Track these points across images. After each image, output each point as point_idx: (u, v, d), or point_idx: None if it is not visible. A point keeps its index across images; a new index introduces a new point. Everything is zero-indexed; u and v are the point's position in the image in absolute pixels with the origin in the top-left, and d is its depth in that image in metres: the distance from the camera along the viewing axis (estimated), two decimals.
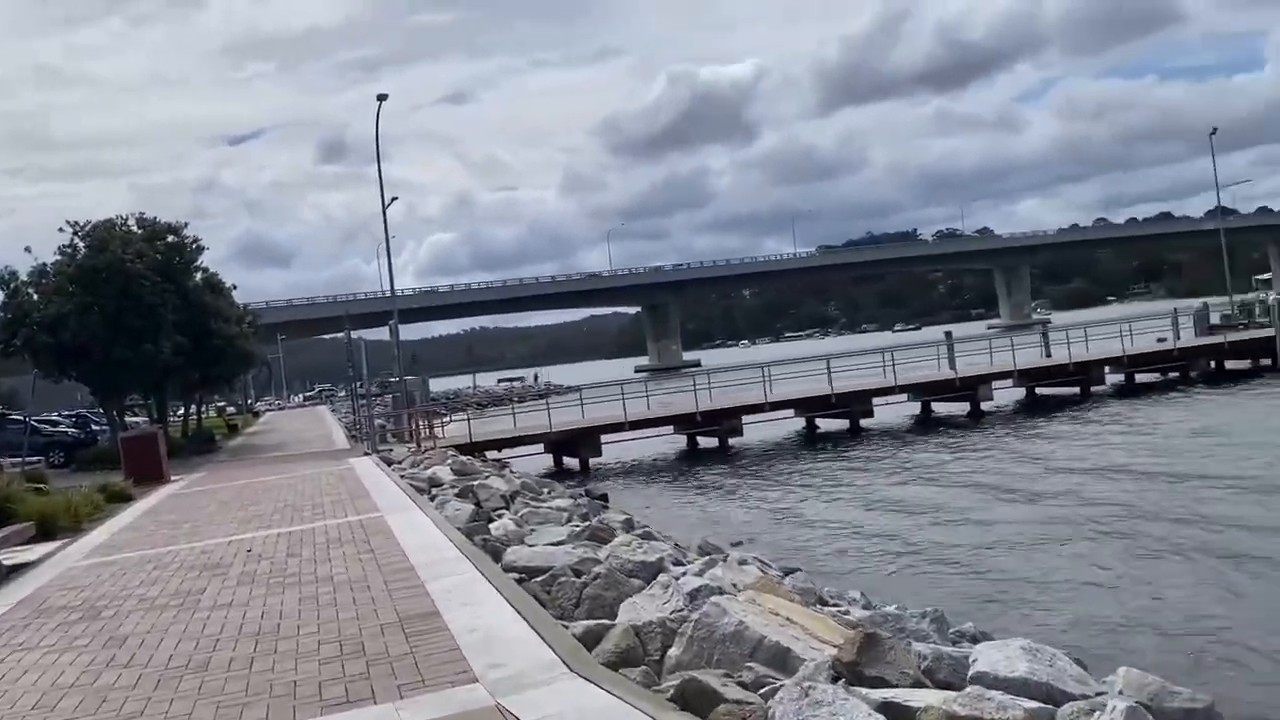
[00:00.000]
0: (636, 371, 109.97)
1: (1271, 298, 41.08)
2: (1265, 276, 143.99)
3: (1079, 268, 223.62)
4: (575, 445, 26.52)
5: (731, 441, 27.80)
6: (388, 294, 30.74)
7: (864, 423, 28.94)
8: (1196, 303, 43.33)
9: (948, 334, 41.51)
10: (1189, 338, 36.08)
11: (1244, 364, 33.59)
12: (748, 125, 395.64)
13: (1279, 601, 8.91)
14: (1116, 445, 20.44)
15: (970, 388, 29.96)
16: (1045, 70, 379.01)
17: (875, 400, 29.54)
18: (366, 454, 23.03)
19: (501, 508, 11.48)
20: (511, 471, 19.00)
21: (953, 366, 34.40)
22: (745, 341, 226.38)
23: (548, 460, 27.93)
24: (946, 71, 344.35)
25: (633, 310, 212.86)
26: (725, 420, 27.80)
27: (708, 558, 7.02)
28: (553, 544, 7.82)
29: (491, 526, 9.51)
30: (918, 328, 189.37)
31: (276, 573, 7.99)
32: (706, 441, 28.77)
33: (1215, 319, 40.98)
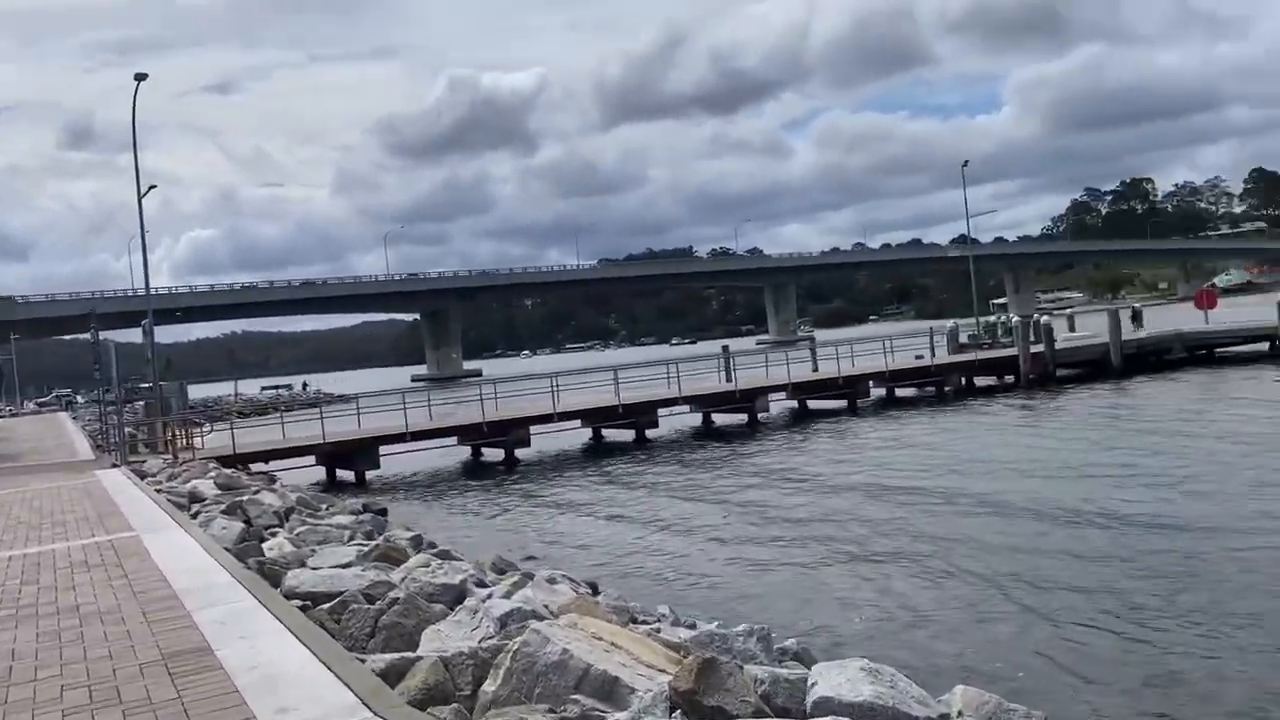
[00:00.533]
0: (414, 381, 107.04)
1: (1014, 319, 44.81)
2: (1001, 300, 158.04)
3: (839, 288, 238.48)
4: (351, 457, 25.20)
5: (518, 453, 27.30)
6: (140, 292, 28.16)
7: (649, 433, 29.22)
8: (948, 323, 46.78)
9: (725, 348, 42.92)
10: (943, 355, 38.76)
11: (991, 380, 36.44)
12: (530, 135, 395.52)
13: (1024, 615, 9.35)
14: (881, 460, 21.45)
15: (749, 399, 30.86)
16: (810, 100, 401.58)
17: (661, 411, 29.87)
18: (115, 466, 20.91)
19: (275, 525, 10.51)
20: (284, 486, 17.70)
21: (729, 379, 35.49)
22: (527, 352, 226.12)
23: (320, 473, 26.40)
24: (720, 95, 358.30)
25: (409, 317, 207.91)
26: (512, 431, 27.24)
27: (516, 577, 6.54)
28: (339, 566, 7.10)
29: (265, 547, 8.61)
30: (694, 341, 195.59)
31: (8, 603, 6.85)
32: (492, 453, 28.13)
33: (963, 338, 44.35)
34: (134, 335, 32.72)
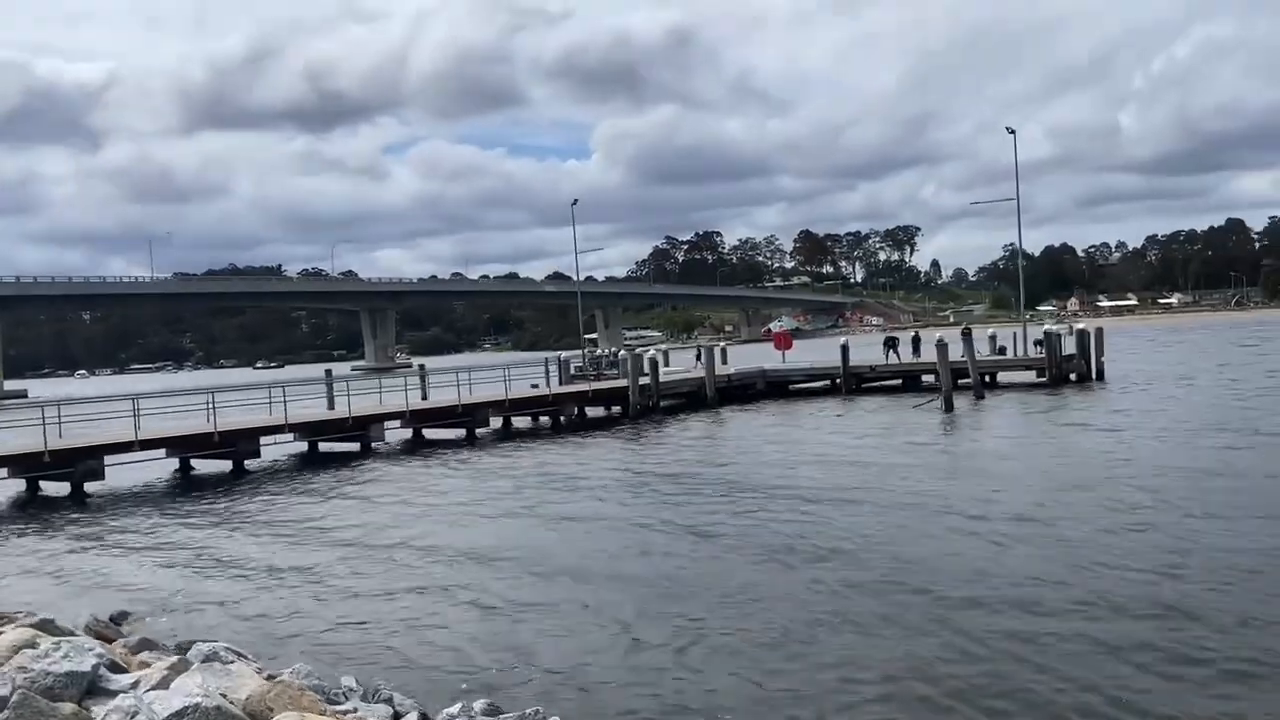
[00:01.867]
0: None
1: (620, 353, 46.82)
2: (592, 335, 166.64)
3: (438, 316, 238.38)
4: None
5: (89, 487, 23.41)
6: None
7: (249, 464, 26.47)
8: (561, 354, 47.86)
9: (328, 372, 40.55)
10: (556, 385, 39.42)
11: (600, 410, 37.60)
12: (94, 132, 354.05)
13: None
14: (495, 494, 21.01)
15: (362, 427, 29.10)
16: (408, 127, 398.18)
17: (263, 439, 27.20)
18: None
19: None
20: None
21: (331, 406, 33.45)
22: (83, 372, 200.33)
23: None
24: (314, 112, 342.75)
25: None
26: (81, 461, 23.29)
27: (170, 659, 4.91)
28: None
29: None
30: (280, 365, 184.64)
31: None
32: (54, 488, 23.88)
33: (571, 370, 45.66)
34: None
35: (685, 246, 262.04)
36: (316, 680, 5.22)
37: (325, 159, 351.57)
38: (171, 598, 12.44)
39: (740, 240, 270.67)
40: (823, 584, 11.20)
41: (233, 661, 5.44)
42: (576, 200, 53.21)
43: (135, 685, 4.55)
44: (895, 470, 20.02)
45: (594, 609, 10.69)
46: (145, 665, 5.22)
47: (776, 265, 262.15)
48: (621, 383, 38.31)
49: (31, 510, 22.20)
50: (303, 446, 29.50)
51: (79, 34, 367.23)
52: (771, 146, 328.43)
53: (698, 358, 45.26)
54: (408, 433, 32.11)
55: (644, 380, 36.96)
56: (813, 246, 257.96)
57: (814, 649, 8.92)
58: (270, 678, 5.03)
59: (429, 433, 32.22)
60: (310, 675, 5.11)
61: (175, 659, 4.65)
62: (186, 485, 25.23)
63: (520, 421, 35.30)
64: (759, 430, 30.26)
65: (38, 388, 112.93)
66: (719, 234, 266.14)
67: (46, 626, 5.86)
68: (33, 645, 4.98)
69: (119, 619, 10.46)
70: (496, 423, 33.91)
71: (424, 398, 36.05)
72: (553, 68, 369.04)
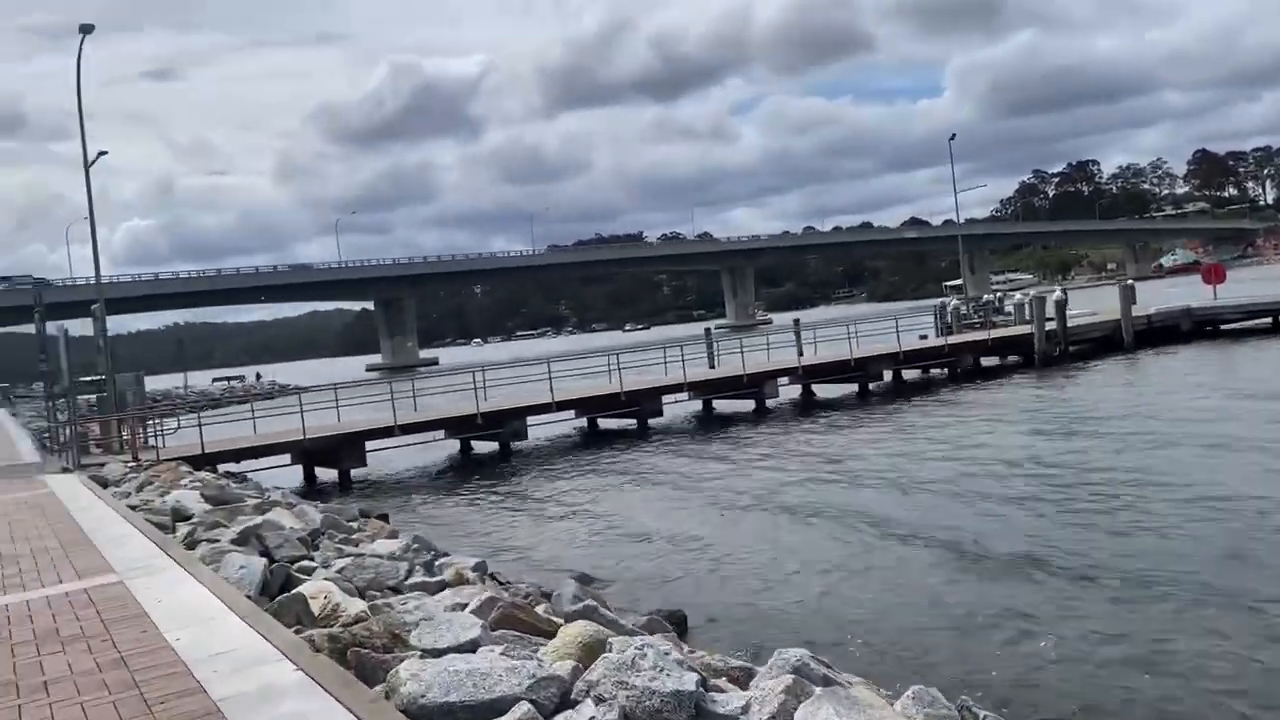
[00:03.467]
0: (369, 370, 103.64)
1: (1022, 295, 43.17)
2: (955, 282, 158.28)
3: (790, 272, 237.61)
4: (335, 454, 22.53)
5: (514, 445, 24.85)
6: (80, 282, 25.29)
7: (653, 421, 26.93)
8: (942, 300, 45.06)
9: (708, 331, 40.59)
10: (932, 337, 37.03)
11: (994, 360, 34.73)
12: (474, 121, 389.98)
13: None
14: (925, 451, 19.36)
15: (756, 384, 28.69)
16: (754, 86, 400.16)
17: (664, 398, 27.61)
18: (67, 470, 18.12)
19: (303, 557, 8.02)
20: (278, 491, 15.10)
21: (713, 365, 33.40)
22: (478, 340, 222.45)
23: (297, 473, 23.75)
24: (663, 81, 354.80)
25: (357, 307, 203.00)
26: (508, 422, 24.75)
27: (786, 680, 4.04)
28: (460, 648, 4.68)
29: (309, 597, 6.15)
30: (647, 327, 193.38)
31: None
32: (482, 447, 25.65)
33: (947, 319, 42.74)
34: (74, 327, 29.58)
35: (1055, 180, 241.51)
36: (945, 709, 4.17)
37: (676, 125, 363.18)
38: (622, 560, 12.24)
39: (1120, 168, 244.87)
40: None
41: (855, 687, 4.54)
42: (954, 135, 49.67)
43: (745, 711, 3.76)
44: None
45: None
46: (733, 679, 4.48)
47: (1165, 192, 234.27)
48: (1020, 329, 35.11)
49: (469, 469, 23.85)
50: (697, 405, 29.67)
51: (454, 31, 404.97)
52: (1153, 60, 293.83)
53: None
54: (796, 390, 31.37)
55: (1049, 325, 33.57)
56: (1211, 167, 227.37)
57: None
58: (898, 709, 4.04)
59: (818, 389, 31.30)
60: (935, 703, 4.08)
61: (790, 680, 3.81)
62: (596, 441, 26.14)
63: (910, 374, 33.46)
64: (1197, 378, 26.14)
65: (445, 356, 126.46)
66: (1095, 163, 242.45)
67: (592, 615, 5.38)
68: (602, 645, 4.39)
69: (585, 580, 10.27)
70: (887, 376, 32.29)
71: (799, 353, 34.96)
72: (898, 5, 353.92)
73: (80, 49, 23.35)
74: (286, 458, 22.94)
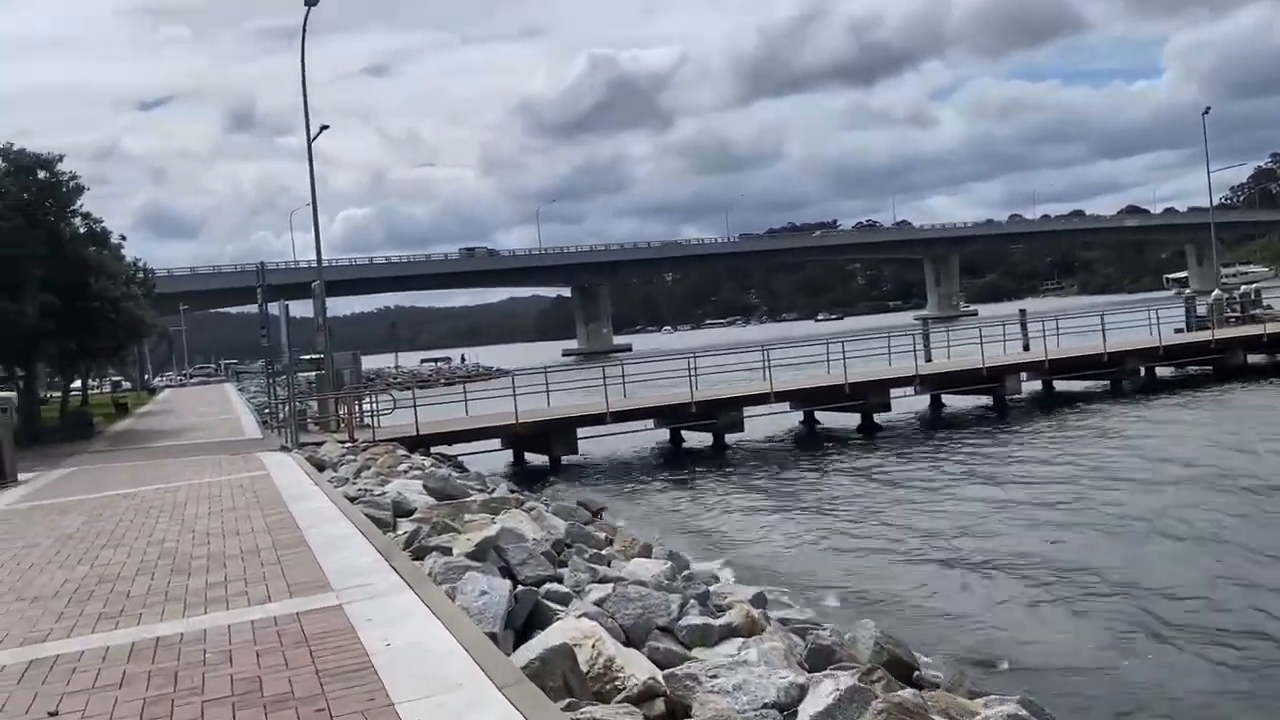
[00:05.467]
0: (565, 355, 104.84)
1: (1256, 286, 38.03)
2: (1179, 275, 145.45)
3: (994, 262, 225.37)
4: (546, 440, 21.56)
5: (729, 438, 23.17)
6: (301, 265, 25.46)
7: (878, 418, 24.59)
8: (1186, 293, 40.32)
9: (924, 320, 37.86)
10: (1174, 333, 32.81)
11: (1260, 358, 30.41)
12: (667, 112, 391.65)
13: None
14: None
15: (996, 379, 25.85)
16: (953, 70, 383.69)
17: (893, 392, 25.22)
18: (285, 449, 17.75)
19: (549, 579, 6.55)
20: (503, 484, 13.97)
21: (929, 358, 30.57)
22: (668, 328, 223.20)
23: (507, 456, 22.98)
24: (857, 67, 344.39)
25: (553, 293, 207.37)
26: (723, 413, 23.10)
27: None
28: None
29: (577, 649, 4.60)
30: (840, 317, 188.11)
31: None
32: (693, 437, 24.11)
33: (1200, 310, 38.13)
34: (295, 308, 30.08)
35: None
36: None
37: (870, 112, 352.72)
38: (909, 593, 10.29)
39: None
40: None
41: None
42: (1209, 108, 44.39)
43: None
44: None
45: None
46: None
47: None
48: None
49: (680, 459, 22.43)
50: (924, 401, 27.10)
51: (653, 23, 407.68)
52: None
53: None
54: (1036, 384, 28.26)
55: None
56: None
57: None
58: None
59: (1060, 384, 28.12)
60: None
61: None
62: (815, 438, 24.15)
63: (1163, 371, 29.71)
64: None
65: (637, 342, 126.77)
66: None
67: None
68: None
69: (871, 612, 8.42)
70: (1141, 373, 28.66)
71: (1025, 348, 31.53)
72: None
73: (305, 24, 23.26)
74: (497, 442, 22.18)
